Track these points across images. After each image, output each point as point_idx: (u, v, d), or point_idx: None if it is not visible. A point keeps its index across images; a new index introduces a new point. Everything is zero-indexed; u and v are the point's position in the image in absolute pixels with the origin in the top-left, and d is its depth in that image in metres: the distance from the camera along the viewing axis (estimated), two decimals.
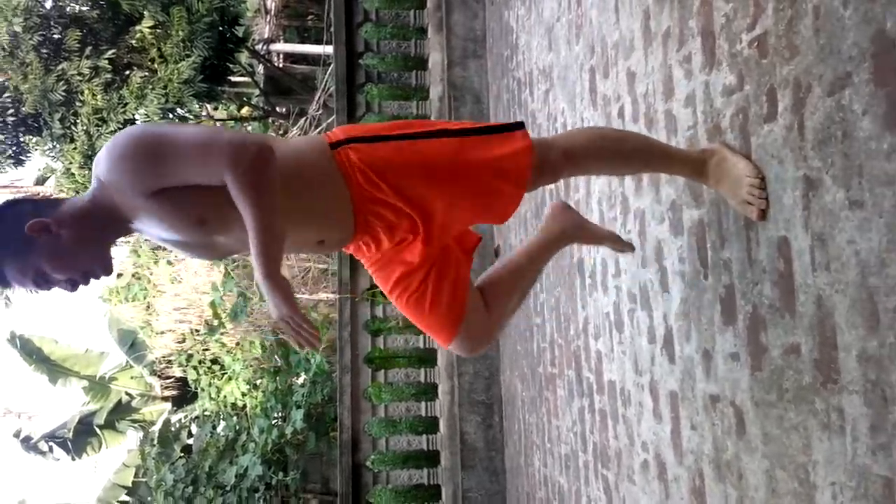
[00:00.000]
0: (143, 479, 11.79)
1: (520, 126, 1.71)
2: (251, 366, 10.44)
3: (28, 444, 15.12)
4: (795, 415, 1.52)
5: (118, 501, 13.58)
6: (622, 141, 1.86)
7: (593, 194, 3.02)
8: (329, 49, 8.11)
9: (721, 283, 1.83)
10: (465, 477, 5.04)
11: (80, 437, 14.25)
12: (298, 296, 9.50)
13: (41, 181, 14.82)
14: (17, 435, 15.45)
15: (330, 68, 7.21)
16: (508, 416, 4.95)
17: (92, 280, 1.59)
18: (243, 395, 10.35)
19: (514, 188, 1.70)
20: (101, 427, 13.84)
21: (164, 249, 11.13)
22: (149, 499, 11.58)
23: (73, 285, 1.57)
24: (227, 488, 8.95)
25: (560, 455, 3.61)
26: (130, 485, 12.83)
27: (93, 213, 1.53)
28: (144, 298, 11.92)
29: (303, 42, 11.17)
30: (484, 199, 1.72)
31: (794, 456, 1.53)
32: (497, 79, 5.31)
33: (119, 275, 13.68)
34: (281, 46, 11.28)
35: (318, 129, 9.11)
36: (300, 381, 9.42)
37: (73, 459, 14.71)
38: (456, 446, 5.08)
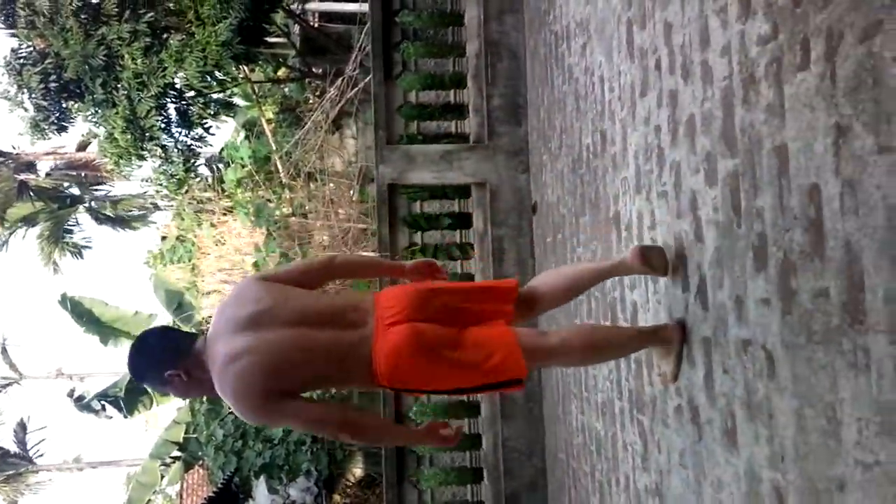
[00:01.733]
0: (194, 435, 12.16)
1: (519, 383, 2.21)
2: None
3: (81, 403, 15.68)
4: (824, 355, 1.58)
5: (171, 456, 14.08)
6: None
7: (630, 148, 3.04)
8: (364, 7, 8.11)
9: (753, 230, 1.88)
10: (505, 426, 5.18)
11: (132, 395, 14.69)
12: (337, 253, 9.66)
13: (83, 146, 15.12)
14: (70, 395, 16.04)
15: (366, 27, 7.24)
16: (546, 368, 5.05)
17: None
18: None
19: None
20: None
21: (208, 212, 11.38)
22: (199, 453, 12.01)
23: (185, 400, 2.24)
24: (275, 441, 9.27)
25: (596, 403, 3.70)
26: (182, 440, 13.26)
27: None
28: (189, 260, 12.22)
29: (338, 0, 11.15)
30: None
31: (822, 395, 1.59)
32: (534, 33, 5.29)
33: (163, 237, 14.03)
34: (316, 5, 11.28)
35: (354, 90, 9.14)
36: None
37: (126, 417, 15.19)
38: (495, 397, 5.21)
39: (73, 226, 14.93)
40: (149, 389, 13.97)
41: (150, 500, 15.55)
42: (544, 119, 5.05)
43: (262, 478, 10.77)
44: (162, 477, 14.60)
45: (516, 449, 5.19)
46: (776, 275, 1.77)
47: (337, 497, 10.09)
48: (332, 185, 10.44)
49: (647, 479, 2.90)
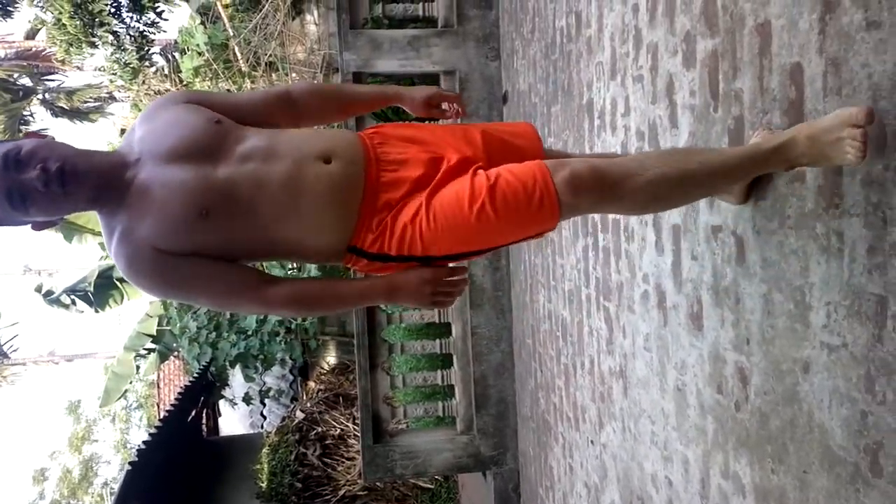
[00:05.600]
0: (168, 328, 12.25)
1: None
2: None
3: (51, 297, 15.58)
4: (795, 240, 1.57)
5: (145, 348, 14.20)
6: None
7: (606, 29, 2.93)
8: None
9: (730, 114, 1.82)
10: (474, 314, 5.25)
11: (101, 290, 14.61)
12: None
13: (32, 34, 14.32)
14: (38, 290, 15.88)
15: None
16: (514, 258, 5.08)
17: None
18: None
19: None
20: (121, 280, 14.22)
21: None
22: (174, 345, 12.14)
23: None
24: (249, 333, 9.37)
25: (564, 291, 3.74)
26: (155, 333, 13.35)
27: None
28: None
29: None
30: None
31: (792, 279, 1.59)
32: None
33: (122, 131, 13.56)
34: None
35: None
36: None
37: (97, 311, 15.15)
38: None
39: (29, 118, 14.41)
40: (117, 284, 13.98)
41: (126, 389, 15.81)
42: (516, 0, 4.84)
43: (237, 367, 10.95)
44: (138, 368, 14.79)
45: (485, 336, 5.29)
46: None
47: (311, 383, 10.36)
48: (294, 74, 10.05)
49: (611, 361, 2.97)
